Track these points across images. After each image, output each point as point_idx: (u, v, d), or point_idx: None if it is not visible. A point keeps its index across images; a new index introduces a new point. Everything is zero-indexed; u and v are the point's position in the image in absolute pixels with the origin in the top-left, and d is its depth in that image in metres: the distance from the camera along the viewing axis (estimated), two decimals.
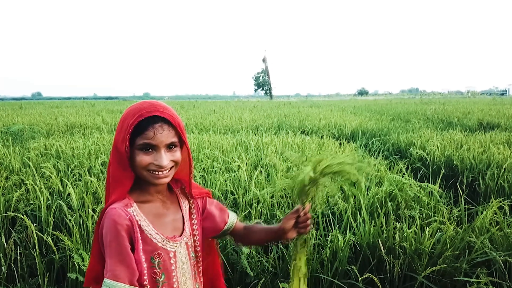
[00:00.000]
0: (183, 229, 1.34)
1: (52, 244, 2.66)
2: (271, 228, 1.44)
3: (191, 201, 1.40)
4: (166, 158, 1.21)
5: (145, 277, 1.23)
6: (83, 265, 2.36)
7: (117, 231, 1.19)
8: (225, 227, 1.44)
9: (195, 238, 1.39)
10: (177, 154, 1.26)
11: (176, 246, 1.30)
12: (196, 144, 6.27)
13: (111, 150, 1.25)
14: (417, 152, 5.93)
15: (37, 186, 3.52)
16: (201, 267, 1.43)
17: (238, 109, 22.48)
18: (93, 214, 3.00)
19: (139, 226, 1.23)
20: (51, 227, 3.04)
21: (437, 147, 6.00)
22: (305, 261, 1.40)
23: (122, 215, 1.21)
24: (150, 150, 1.20)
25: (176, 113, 1.25)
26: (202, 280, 1.44)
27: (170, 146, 1.23)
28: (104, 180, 4.02)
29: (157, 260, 1.25)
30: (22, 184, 3.94)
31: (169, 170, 1.24)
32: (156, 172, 1.21)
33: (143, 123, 1.18)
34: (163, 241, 1.26)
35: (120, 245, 1.19)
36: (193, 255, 1.38)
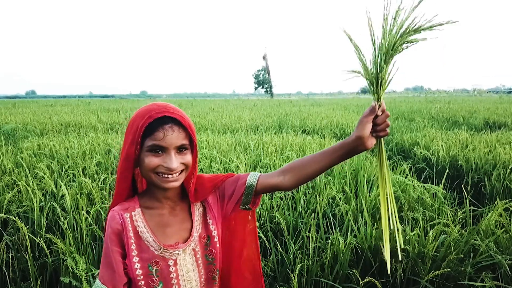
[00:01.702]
0: (191, 235, 1.31)
1: (45, 247, 2.66)
2: (339, 144, 1.24)
3: (203, 202, 1.36)
4: (176, 161, 1.19)
5: (140, 283, 1.23)
6: (76, 268, 2.36)
7: (107, 234, 1.22)
8: (246, 186, 1.34)
9: (214, 240, 1.35)
10: (188, 157, 1.23)
11: (178, 253, 1.28)
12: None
13: (120, 152, 1.25)
14: (421, 152, 5.93)
15: (30, 187, 3.52)
16: (218, 271, 1.37)
17: (238, 107, 22.48)
18: (87, 216, 2.99)
19: (137, 232, 1.24)
20: (44, 230, 3.04)
21: (442, 147, 6.00)
22: (387, 166, 1.23)
23: (116, 218, 1.23)
24: (159, 152, 1.18)
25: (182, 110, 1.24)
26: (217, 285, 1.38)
27: (180, 149, 1.21)
28: (98, 182, 4.02)
29: (155, 268, 1.25)
30: (15, 185, 3.93)
31: (178, 174, 1.21)
32: (165, 175, 1.19)
33: (152, 124, 1.16)
34: (160, 249, 1.25)
35: (108, 248, 1.21)
36: (210, 258, 1.35)
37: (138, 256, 1.23)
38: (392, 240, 1.25)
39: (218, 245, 1.35)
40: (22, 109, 21.19)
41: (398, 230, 1.21)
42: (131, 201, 1.28)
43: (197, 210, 1.34)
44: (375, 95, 1.16)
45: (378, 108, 1.16)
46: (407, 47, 1.10)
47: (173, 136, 1.18)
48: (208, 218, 1.35)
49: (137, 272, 1.22)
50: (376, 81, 1.15)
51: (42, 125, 10.75)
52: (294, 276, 2.31)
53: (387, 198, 1.23)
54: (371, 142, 1.19)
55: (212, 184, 1.35)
